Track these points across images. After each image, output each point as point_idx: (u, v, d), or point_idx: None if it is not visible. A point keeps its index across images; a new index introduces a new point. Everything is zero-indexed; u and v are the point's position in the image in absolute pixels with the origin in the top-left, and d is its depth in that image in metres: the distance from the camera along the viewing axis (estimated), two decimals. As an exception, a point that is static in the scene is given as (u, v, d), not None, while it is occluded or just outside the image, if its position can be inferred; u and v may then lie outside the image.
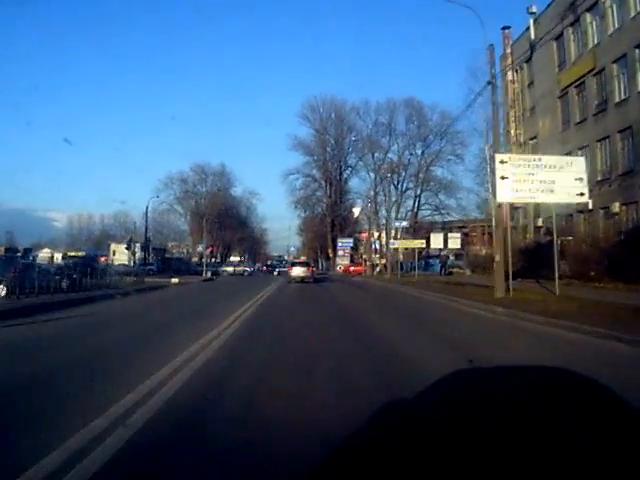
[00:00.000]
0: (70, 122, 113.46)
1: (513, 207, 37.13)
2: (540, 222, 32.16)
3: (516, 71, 36.01)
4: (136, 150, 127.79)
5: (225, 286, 35.69)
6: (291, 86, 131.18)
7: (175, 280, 39.54)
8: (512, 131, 36.09)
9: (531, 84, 34.91)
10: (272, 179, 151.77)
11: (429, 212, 74.23)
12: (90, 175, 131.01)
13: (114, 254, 69.73)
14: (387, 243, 45.10)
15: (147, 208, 58.08)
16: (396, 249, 45.20)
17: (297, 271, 35.81)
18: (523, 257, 28.53)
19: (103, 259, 62.31)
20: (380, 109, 71.88)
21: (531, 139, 34.81)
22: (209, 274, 51.55)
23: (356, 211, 51.34)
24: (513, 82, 36.09)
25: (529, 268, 27.06)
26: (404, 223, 45.05)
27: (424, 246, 46.39)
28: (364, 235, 72.93)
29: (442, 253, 53.15)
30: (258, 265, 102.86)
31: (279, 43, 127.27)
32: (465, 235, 65.21)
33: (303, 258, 46.35)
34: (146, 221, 57.36)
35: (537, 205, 33.15)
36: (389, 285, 33.91)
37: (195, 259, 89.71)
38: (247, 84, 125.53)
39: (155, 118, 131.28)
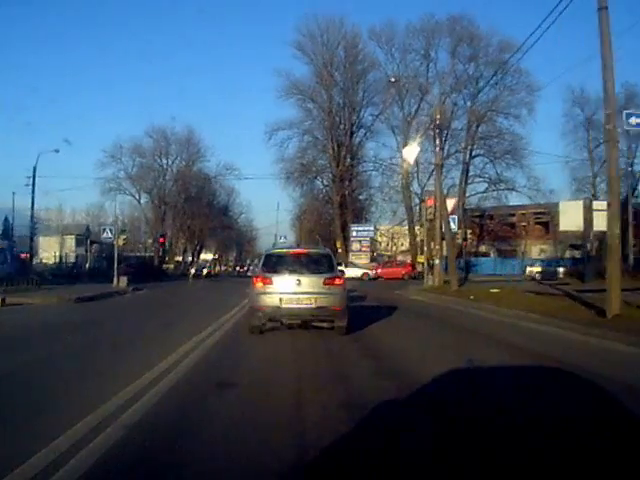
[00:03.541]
0: (70, 123, 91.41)
1: None
2: None
3: None
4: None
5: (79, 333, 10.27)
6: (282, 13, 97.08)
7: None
8: None
9: None
10: (257, 151, 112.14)
11: (483, 188, 48.93)
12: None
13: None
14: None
15: (34, 171, 31.98)
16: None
17: (286, 287, 9.10)
18: None
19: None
20: (412, 33, 46.24)
21: None
22: (124, 283, 25.63)
23: (409, 153, 25.46)
24: None
25: None
26: None
27: None
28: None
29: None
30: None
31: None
32: None
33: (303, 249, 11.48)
34: (32, 200, 31.21)
35: None
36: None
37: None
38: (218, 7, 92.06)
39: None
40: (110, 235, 27.77)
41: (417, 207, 49.44)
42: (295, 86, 47.15)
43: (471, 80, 46.52)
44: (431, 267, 24.04)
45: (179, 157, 62.71)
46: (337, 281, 9.31)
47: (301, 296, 9.09)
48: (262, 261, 9.80)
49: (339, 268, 9.86)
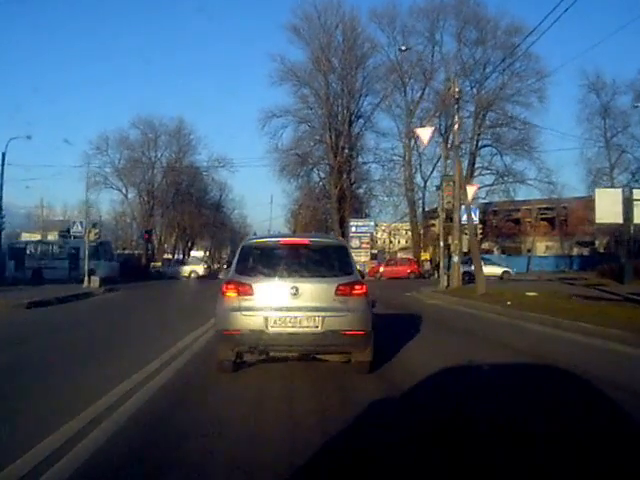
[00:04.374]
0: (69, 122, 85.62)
1: None
2: None
3: None
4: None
5: None
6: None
7: None
8: None
9: None
10: (251, 144, 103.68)
11: (490, 181, 45.64)
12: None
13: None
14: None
15: (2, 157, 28.14)
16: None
17: (275, 300, 5.62)
18: None
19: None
20: (416, 14, 42.80)
21: None
22: (95, 284, 22.15)
23: (424, 133, 21.90)
24: None
25: None
26: None
27: None
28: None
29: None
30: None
31: None
32: None
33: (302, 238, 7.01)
34: (0, 188, 27.23)
35: None
36: None
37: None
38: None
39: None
40: (80, 229, 24.09)
41: (420, 201, 46.29)
42: (290, 71, 43.49)
43: (478, 65, 43.19)
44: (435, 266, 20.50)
45: (168, 149, 58.93)
46: (357, 289, 5.76)
47: (299, 314, 5.58)
48: (237, 258, 6.14)
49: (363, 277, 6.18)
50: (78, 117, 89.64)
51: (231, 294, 5.71)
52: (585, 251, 56.96)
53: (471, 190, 19.43)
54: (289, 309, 5.58)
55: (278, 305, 5.61)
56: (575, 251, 57.68)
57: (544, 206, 58.09)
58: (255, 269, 5.91)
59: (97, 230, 24.80)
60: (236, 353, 5.78)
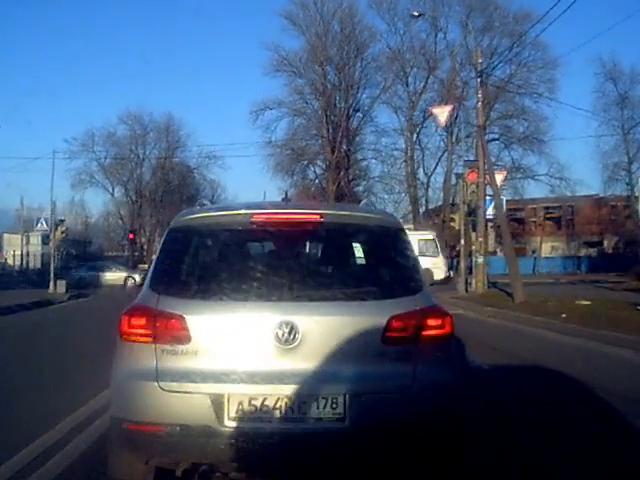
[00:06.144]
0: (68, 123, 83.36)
1: None
2: None
3: None
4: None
5: None
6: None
7: None
8: None
9: None
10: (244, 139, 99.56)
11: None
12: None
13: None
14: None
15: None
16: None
17: (242, 355, 2.43)
18: None
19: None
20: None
21: None
22: (62, 289, 18.88)
23: (441, 113, 18.99)
24: None
25: None
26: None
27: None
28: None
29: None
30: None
31: None
32: None
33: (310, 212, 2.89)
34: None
35: None
36: None
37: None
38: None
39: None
40: (45, 226, 20.85)
41: (423, 198, 43.45)
42: (285, 60, 40.26)
43: (485, 54, 40.16)
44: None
45: (157, 146, 55.84)
46: (434, 325, 2.51)
47: (298, 388, 2.36)
48: (157, 257, 2.81)
49: None
50: (63, 114, 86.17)
51: (141, 338, 2.48)
52: (593, 252, 54.20)
53: (499, 178, 16.36)
54: (273, 377, 2.38)
55: (248, 367, 2.42)
56: (583, 252, 54.85)
57: (550, 205, 55.46)
58: (195, 283, 2.68)
59: (64, 228, 21.58)
60: (154, 470, 2.55)
